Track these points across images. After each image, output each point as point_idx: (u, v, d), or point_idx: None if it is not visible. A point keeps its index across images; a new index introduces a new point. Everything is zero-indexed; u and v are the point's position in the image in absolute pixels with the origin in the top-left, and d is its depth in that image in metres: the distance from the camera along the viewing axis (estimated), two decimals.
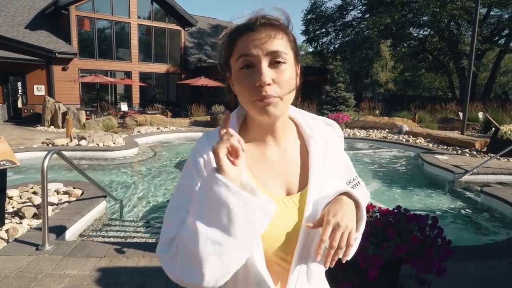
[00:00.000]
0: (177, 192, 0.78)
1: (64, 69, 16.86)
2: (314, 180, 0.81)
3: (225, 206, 0.62)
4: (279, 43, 0.73)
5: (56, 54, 15.38)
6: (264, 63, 0.72)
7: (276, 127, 0.82)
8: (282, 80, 0.73)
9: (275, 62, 0.73)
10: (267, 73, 0.72)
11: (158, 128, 12.34)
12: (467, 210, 5.08)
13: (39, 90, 16.28)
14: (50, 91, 16.25)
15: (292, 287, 0.78)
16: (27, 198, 4.33)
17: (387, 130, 12.45)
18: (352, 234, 0.73)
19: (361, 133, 11.91)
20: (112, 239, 3.68)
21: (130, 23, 19.00)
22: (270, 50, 0.72)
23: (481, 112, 13.44)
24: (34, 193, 4.58)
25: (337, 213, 0.73)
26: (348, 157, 0.95)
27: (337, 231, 0.71)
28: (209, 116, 14.44)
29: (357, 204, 0.80)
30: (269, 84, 0.72)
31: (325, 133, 0.88)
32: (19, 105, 16.16)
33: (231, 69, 0.78)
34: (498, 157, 6.90)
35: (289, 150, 0.85)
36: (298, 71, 0.81)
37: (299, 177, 0.83)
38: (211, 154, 0.78)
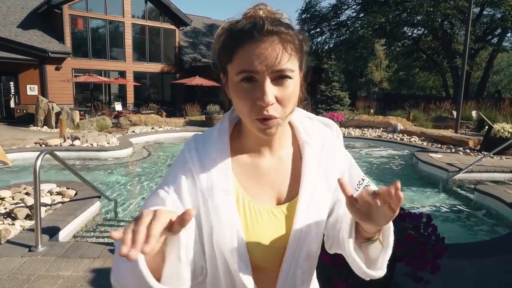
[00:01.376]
0: (151, 194, 0.74)
1: (57, 69, 16.72)
2: (305, 189, 0.77)
3: None
4: (286, 59, 0.66)
5: (49, 53, 15.25)
6: (268, 81, 0.65)
7: (274, 138, 0.77)
8: (285, 97, 0.67)
9: (279, 78, 0.67)
10: (270, 92, 0.65)
11: (152, 128, 12.28)
12: (460, 208, 5.12)
13: (32, 90, 16.13)
14: (43, 91, 16.10)
15: None
16: (20, 199, 4.28)
17: (381, 129, 12.50)
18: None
19: (356, 132, 11.94)
20: (106, 240, 3.65)
21: (124, 22, 18.88)
22: (276, 69, 0.65)
23: (474, 111, 13.54)
24: (27, 194, 4.53)
25: None
26: (351, 157, 0.88)
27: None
28: (204, 116, 14.40)
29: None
30: (271, 104, 0.66)
31: (321, 135, 0.83)
32: (12, 105, 15.98)
33: (228, 75, 0.71)
34: (491, 155, 6.95)
35: (282, 158, 0.80)
36: (302, 76, 0.74)
37: (291, 185, 0.79)
38: (196, 165, 0.74)
